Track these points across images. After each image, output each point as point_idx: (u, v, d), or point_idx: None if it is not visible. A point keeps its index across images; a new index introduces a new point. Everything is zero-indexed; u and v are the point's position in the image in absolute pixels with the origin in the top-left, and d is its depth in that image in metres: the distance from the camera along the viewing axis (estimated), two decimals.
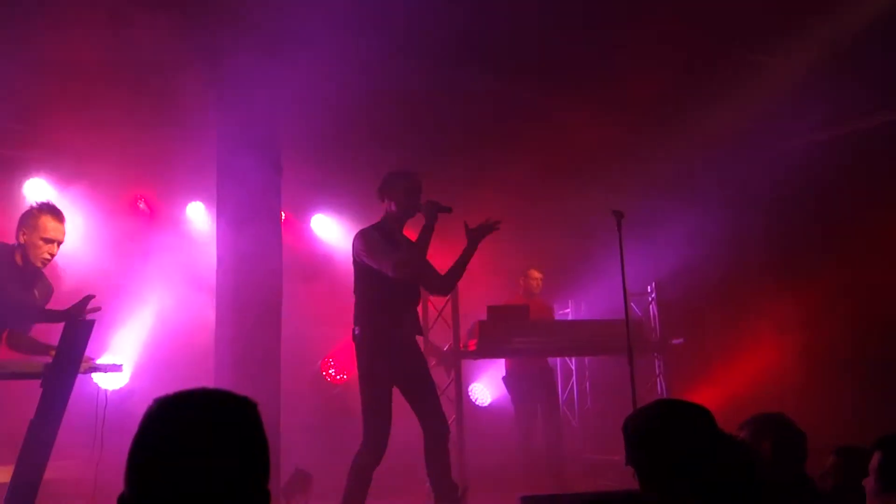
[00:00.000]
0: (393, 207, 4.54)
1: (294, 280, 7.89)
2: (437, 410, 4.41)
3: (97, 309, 3.86)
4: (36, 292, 4.22)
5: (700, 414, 2.00)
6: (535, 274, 7.38)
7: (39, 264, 4.15)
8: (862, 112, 6.89)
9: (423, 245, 4.39)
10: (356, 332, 4.43)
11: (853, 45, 5.68)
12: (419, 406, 4.42)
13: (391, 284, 4.35)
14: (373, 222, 4.61)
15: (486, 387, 8.62)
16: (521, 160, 7.42)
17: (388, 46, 5.70)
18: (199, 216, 8.01)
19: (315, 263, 8.97)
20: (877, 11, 5.37)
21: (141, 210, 7.80)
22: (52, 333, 4.01)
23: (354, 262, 4.53)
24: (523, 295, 7.36)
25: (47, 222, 4.11)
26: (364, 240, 4.45)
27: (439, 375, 6.97)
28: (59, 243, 4.17)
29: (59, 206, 4.26)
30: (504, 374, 7.30)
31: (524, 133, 7.17)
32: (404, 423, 4.50)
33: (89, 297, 3.83)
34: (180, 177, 7.18)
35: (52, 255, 4.15)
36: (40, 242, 4.08)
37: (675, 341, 6.91)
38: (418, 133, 7.40)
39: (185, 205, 8.01)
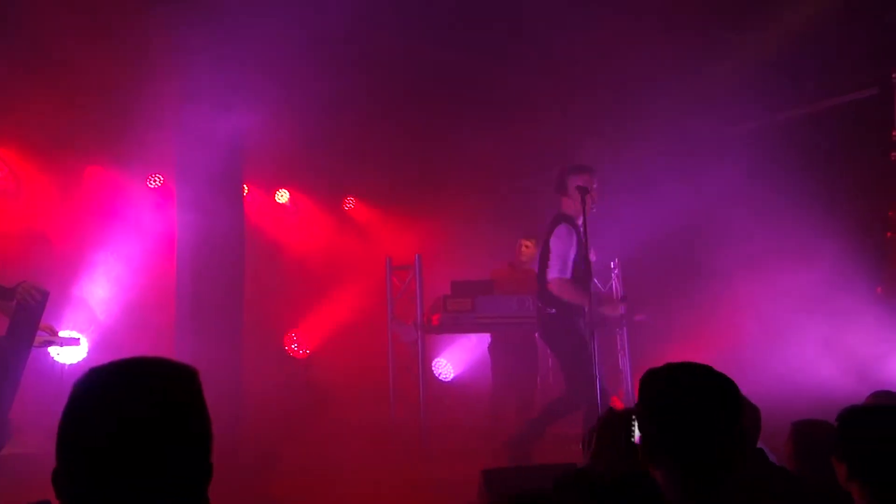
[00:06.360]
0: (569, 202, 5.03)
1: (257, 255, 7.81)
2: None
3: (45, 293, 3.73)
4: None
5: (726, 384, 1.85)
6: (526, 243, 7.14)
7: None
8: (811, 98, 7.07)
9: None
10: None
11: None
12: None
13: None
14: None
15: (450, 361, 8.65)
16: (495, 137, 7.41)
17: (361, 14, 5.58)
18: (161, 185, 7.85)
19: (278, 238, 8.89)
20: None
21: (96, 179, 7.61)
22: None
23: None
24: (509, 265, 7.18)
25: None
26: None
27: (403, 350, 6.98)
28: None
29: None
30: (489, 343, 7.27)
31: (498, 112, 7.18)
32: None
33: (42, 292, 3.71)
34: (139, 144, 6.97)
35: None
36: None
37: (637, 318, 6.95)
38: (393, 107, 7.33)
39: (146, 174, 7.83)
